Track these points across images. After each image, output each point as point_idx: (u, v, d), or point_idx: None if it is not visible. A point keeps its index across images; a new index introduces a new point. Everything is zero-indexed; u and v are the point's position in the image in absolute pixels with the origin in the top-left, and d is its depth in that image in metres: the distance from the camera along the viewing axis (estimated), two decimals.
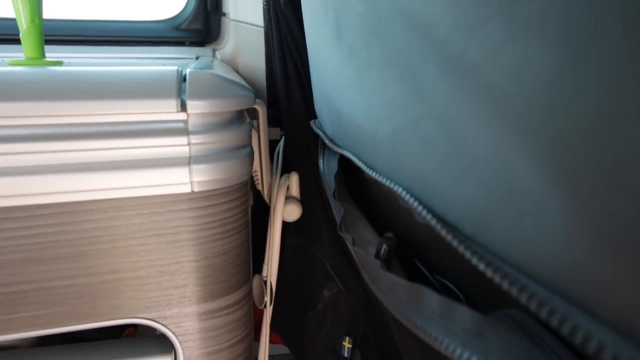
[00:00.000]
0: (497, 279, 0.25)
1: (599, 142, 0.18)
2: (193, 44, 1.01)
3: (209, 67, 0.64)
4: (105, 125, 0.42)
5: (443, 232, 0.30)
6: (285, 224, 0.67)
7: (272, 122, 0.77)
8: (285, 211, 0.63)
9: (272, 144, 0.76)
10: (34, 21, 0.56)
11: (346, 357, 0.74)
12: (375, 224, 0.52)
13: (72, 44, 0.91)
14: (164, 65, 0.75)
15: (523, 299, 0.23)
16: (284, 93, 0.74)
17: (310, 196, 0.70)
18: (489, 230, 0.27)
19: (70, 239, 0.43)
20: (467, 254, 0.27)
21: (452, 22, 0.26)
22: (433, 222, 0.31)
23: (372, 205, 0.55)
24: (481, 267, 0.26)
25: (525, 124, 0.22)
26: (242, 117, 0.50)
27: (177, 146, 0.43)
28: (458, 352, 0.27)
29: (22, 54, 0.56)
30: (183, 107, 0.43)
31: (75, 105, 0.40)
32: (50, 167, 0.41)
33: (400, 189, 0.36)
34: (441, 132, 0.30)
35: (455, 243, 0.28)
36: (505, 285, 0.24)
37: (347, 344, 0.74)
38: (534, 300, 0.22)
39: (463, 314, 0.28)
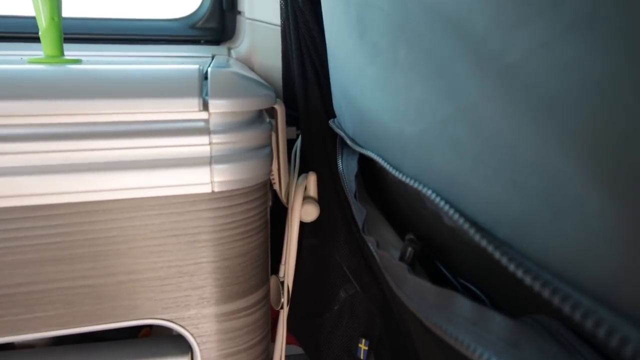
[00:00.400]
0: (537, 287, 0.24)
1: None
2: (208, 42, 1.00)
3: (226, 66, 0.63)
4: (126, 124, 0.41)
5: (477, 237, 0.28)
6: (302, 224, 0.67)
7: (288, 121, 0.76)
8: (302, 212, 0.62)
9: (289, 144, 0.76)
10: (53, 19, 0.55)
11: (362, 359, 0.73)
12: (394, 225, 0.51)
13: (90, 42, 0.91)
14: (181, 63, 0.75)
15: (566, 308, 0.22)
16: (301, 92, 0.73)
17: (328, 196, 0.69)
18: (526, 235, 0.26)
19: (89, 238, 0.43)
20: (504, 260, 0.26)
21: (490, 20, 0.25)
22: (466, 226, 0.30)
23: (391, 206, 0.54)
24: (519, 274, 0.25)
25: (570, 125, 0.21)
26: (262, 117, 0.50)
27: (199, 146, 0.43)
28: None
29: (41, 52, 0.56)
30: (205, 106, 0.42)
31: (97, 104, 0.40)
32: (71, 166, 0.40)
33: (429, 191, 0.35)
34: (473, 133, 0.29)
35: (490, 248, 0.27)
36: (546, 293, 0.23)
37: (363, 345, 0.73)
38: (578, 310, 0.21)
39: (497, 321, 0.28)
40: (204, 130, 0.43)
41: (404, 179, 0.39)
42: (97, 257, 0.43)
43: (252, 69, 0.94)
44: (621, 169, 0.19)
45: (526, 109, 0.24)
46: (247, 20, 0.94)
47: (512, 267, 0.25)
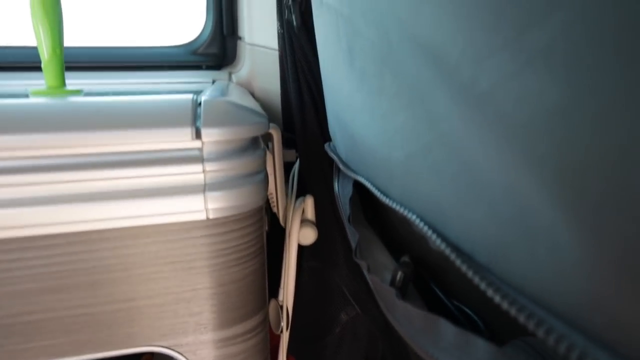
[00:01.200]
0: (513, 311, 0.24)
1: (610, 173, 0.18)
2: (210, 67, 1.02)
3: (225, 91, 0.65)
4: (121, 154, 0.42)
5: (458, 262, 0.29)
6: (301, 247, 0.67)
7: (288, 144, 0.77)
8: (300, 235, 0.63)
9: (288, 166, 0.76)
10: (55, 52, 0.57)
11: None
12: (391, 247, 0.51)
13: (92, 70, 0.93)
14: (182, 89, 0.76)
15: (540, 333, 0.22)
16: (298, 116, 0.74)
17: (327, 219, 0.69)
18: (503, 260, 0.26)
19: (87, 267, 0.43)
20: (483, 285, 0.27)
21: (462, 50, 0.26)
22: (447, 251, 0.30)
23: (387, 227, 0.55)
24: (497, 299, 0.25)
25: (534, 153, 0.22)
26: (257, 143, 0.50)
27: (192, 174, 0.43)
28: None
29: (43, 81, 0.58)
30: (198, 135, 0.43)
31: (94, 136, 0.41)
32: (67, 197, 0.41)
33: (414, 217, 0.35)
34: (453, 159, 0.30)
35: (470, 274, 0.28)
36: (521, 318, 0.23)
37: None
38: (552, 335, 0.22)
39: (479, 346, 0.28)
40: (198, 158, 0.44)
41: (391, 204, 0.39)
42: (95, 285, 0.44)
43: (252, 93, 0.95)
44: (584, 194, 0.20)
45: (498, 137, 0.25)
46: (248, 46, 0.96)
47: (490, 292, 0.26)
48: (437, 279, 0.45)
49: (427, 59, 0.30)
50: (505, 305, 0.24)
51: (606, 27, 0.17)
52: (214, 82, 0.89)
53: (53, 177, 0.41)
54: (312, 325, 0.76)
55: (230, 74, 1.00)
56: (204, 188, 0.44)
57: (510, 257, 0.25)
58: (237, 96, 0.61)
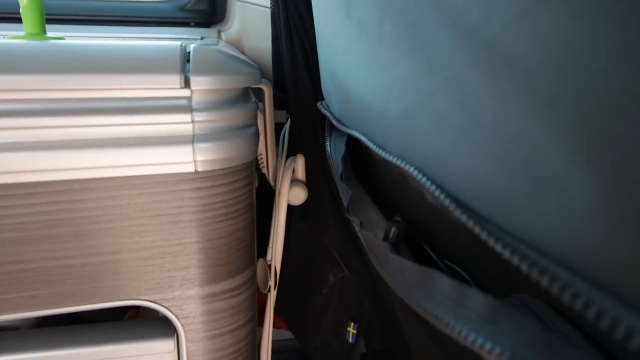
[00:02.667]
0: (515, 260, 0.23)
1: (631, 113, 0.17)
2: (198, 24, 0.99)
3: (212, 43, 0.62)
4: (106, 100, 0.40)
5: (457, 213, 0.28)
6: (291, 208, 0.66)
7: (278, 104, 0.75)
8: (290, 194, 0.62)
9: (279, 127, 0.75)
10: None
11: (351, 343, 0.73)
12: (382, 208, 0.51)
13: (74, 24, 0.90)
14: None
15: (544, 281, 0.21)
16: (290, 74, 0.72)
17: (317, 180, 0.68)
18: (507, 210, 0.25)
19: (70, 217, 0.42)
20: (484, 235, 0.26)
21: None
22: (447, 202, 0.29)
23: (379, 188, 0.54)
24: (498, 248, 0.24)
25: (549, 95, 0.21)
26: (248, 96, 0.49)
27: (181, 124, 0.42)
28: (471, 338, 0.26)
29: (22, 32, 0.55)
30: (187, 84, 0.41)
31: (76, 79, 0.39)
32: (49, 144, 0.39)
33: (411, 168, 0.34)
34: (455, 108, 0.29)
35: (470, 224, 0.27)
36: (524, 267, 0.23)
37: (352, 329, 0.73)
38: (555, 283, 0.21)
39: (477, 298, 0.27)
40: (186, 108, 0.42)
41: (388, 157, 0.38)
42: (79, 236, 0.43)
43: (242, 52, 0.93)
44: (599, 137, 0.19)
45: (506, 80, 0.23)
46: (238, 3, 0.93)
47: (491, 242, 0.25)
48: (428, 239, 0.44)
49: (431, 3, 0.29)
50: (507, 254, 0.24)
51: None
52: (202, 38, 0.87)
53: (33, 122, 0.39)
54: (299, 286, 0.76)
55: (219, 32, 0.97)
56: (193, 139, 0.42)
57: (515, 207, 0.25)
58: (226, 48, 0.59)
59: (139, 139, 0.41)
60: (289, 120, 0.75)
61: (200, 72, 0.41)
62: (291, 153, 0.68)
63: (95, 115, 0.40)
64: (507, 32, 0.23)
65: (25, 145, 0.39)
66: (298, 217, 0.74)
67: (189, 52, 0.44)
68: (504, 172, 0.25)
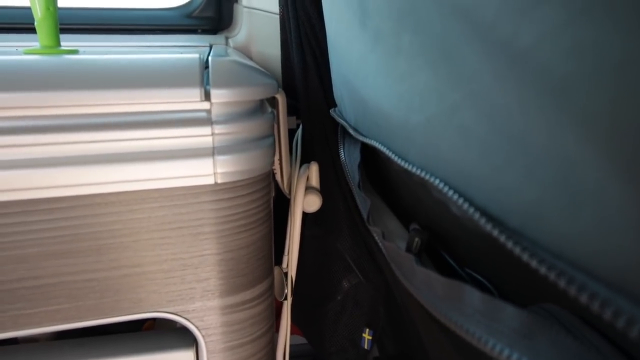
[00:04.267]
0: (552, 276, 0.23)
1: None
2: (205, 31, 0.99)
3: (225, 55, 0.63)
4: (126, 115, 0.40)
5: (488, 227, 0.28)
6: (304, 215, 0.66)
7: (288, 110, 0.75)
8: (305, 202, 0.62)
9: (289, 133, 0.75)
10: (49, 9, 0.54)
11: (366, 349, 0.74)
12: (397, 215, 0.51)
13: (85, 33, 0.90)
14: (178, 53, 0.74)
15: (583, 298, 0.21)
16: (301, 81, 0.72)
17: (330, 186, 0.68)
18: (539, 224, 0.25)
19: (92, 232, 0.42)
20: (517, 250, 0.26)
21: (501, 4, 0.25)
22: (476, 215, 0.29)
23: (393, 195, 0.54)
24: (533, 263, 0.24)
25: (585, 109, 0.21)
26: (264, 107, 0.49)
27: (201, 136, 0.42)
28: (506, 353, 0.26)
29: (37, 43, 0.55)
30: (207, 96, 0.41)
31: (95, 95, 0.39)
32: (70, 159, 0.40)
33: (436, 180, 0.34)
34: (482, 120, 0.29)
35: (502, 238, 0.27)
36: (562, 283, 0.23)
37: (367, 335, 0.73)
38: (596, 300, 0.21)
39: (508, 312, 0.27)
40: (206, 120, 0.42)
41: (410, 168, 0.38)
42: (101, 250, 0.43)
43: (250, 58, 0.93)
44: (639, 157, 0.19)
45: (538, 94, 0.23)
46: (245, 9, 0.93)
47: (525, 257, 0.25)
48: (447, 247, 0.44)
49: (456, 17, 0.29)
50: (543, 270, 0.24)
51: None
52: (210, 46, 0.87)
53: (55, 139, 0.39)
54: (314, 293, 0.76)
55: (227, 39, 0.97)
56: (213, 151, 0.42)
57: (548, 221, 0.25)
58: (238, 57, 0.59)
59: (159, 153, 0.41)
60: (300, 127, 0.75)
61: (220, 84, 0.41)
62: (304, 160, 0.68)
63: (116, 130, 0.40)
64: (542, 46, 0.23)
65: (47, 162, 0.39)
66: (311, 223, 0.74)
67: (207, 64, 0.44)
68: (536, 186, 0.25)
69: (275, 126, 0.58)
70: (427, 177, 0.35)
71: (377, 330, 0.74)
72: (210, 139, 0.42)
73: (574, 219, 0.23)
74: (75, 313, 0.44)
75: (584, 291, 0.22)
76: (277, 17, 0.86)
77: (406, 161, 0.39)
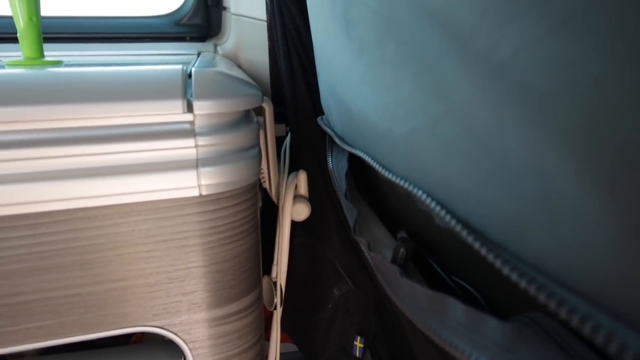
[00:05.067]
0: (532, 290, 0.23)
1: None
2: (194, 39, 0.99)
3: (212, 63, 0.62)
4: (108, 128, 0.40)
5: (470, 239, 0.28)
6: (293, 222, 0.66)
7: (277, 118, 0.75)
8: (293, 211, 0.62)
9: (278, 140, 0.75)
10: (31, 20, 0.54)
11: (358, 357, 0.73)
12: (386, 222, 0.50)
13: (71, 42, 0.89)
14: (166, 61, 0.73)
15: (563, 313, 0.21)
16: (289, 89, 0.72)
17: (318, 193, 0.68)
18: (520, 237, 0.25)
19: (75, 246, 0.42)
20: (498, 263, 0.26)
21: (479, 17, 0.24)
22: (458, 227, 0.29)
23: (382, 202, 0.54)
24: (514, 277, 0.24)
25: (563, 125, 0.21)
26: (250, 117, 0.49)
27: (184, 149, 0.42)
28: None
29: (20, 53, 0.54)
30: (189, 108, 0.41)
31: (78, 109, 0.38)
32: (53, 174, 0.39)
33: (419, 192, 0.34)
34: (464, 133, 0.28)
35: (484, 251, 0.27)
36: (542, 297, 0.22)
37: (358, 343, 0.73)
38: (575, 315, 0.21)
39: (492, 325, 0.27)
40: (190, 132, 0.42)
41: (394, 179, 0.38)
42: (85, 265, 0.42)
43: (238, 66, 0.92)
44: (620, 170, 0.18)
45: (518, 108, 0.23)
46: (233, 16, 0.93)
47: (506, 270, 0.25)
48: (434, 255, 0.44)
49: (436, 28, 0.29)
50: (523, 284, 0.23)
51: None
52: (199, 54, 0.86)
53: (36, 153, 0.39)
54: (304, 301, 0.76)
55: (215, 46, 0.97)
56: (197, 163, 0.42)
57: (529, 235, 0.24)
58: (225, 67, 0.58)
59: (142, 166, 0.41)
60: (289, 135, 0.75)
61: (203, 96, 0.41)
62: (292, 167, 0.68)
63: (98, 144, 0.40)
64: (520, 61, 0.22)
65: (28, 177, 0.39)
66: (300, 231, 0.74)
67: (190, 75, 0.43)
68: (516, 200, 0.25)
69: (263, 135, 0.58)
70: (411, 188, 0.35)
71: (369, 338, 0.74)
72: (194, 150, 0.42)
73: (554, 233, 0.23)
74: (59, 329, 0.43)
75: (564, 306, 0.21)
76: (265, 24, 0.86)
77: (390, 172, 0.39)
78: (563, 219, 0.22)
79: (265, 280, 0.64)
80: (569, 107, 0.20)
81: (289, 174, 0.64)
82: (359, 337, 0.73)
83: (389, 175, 0.39)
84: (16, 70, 0.42)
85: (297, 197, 0.62)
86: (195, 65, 0.53)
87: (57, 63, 0.55)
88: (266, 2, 0.83)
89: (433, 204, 0.32)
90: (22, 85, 0.39)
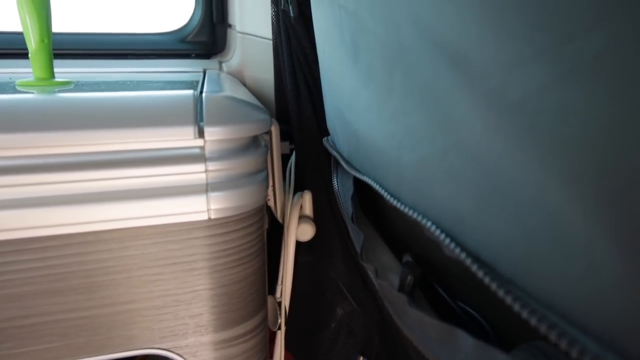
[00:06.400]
0: (543, 329, 0.23)
1: None
2: (199, 56, 1.00)
3: (219, 83, 0.63)
4: (119, 153, 0.41)
5: (480, 274, 0.28)
6: (298, 242, 0.66)
7: (281, 136, 0.76)
8: (298, 231, 0.62)
9: (283, 158, 0.75)
10: (43, 41, 0.55)
11: None
12: (391, 243, 0.51)
13: (79, 58, 0.90)
14: (172, 78, 0.74)
15: (574, 353, 0.22)
16: (295, 109, 0.73)
17: (323, 213, 0.68)
18: (530, 273, 0.26)
19: (83, 270, 0.42)
20: (509, 300, 0.26)
21: (490, 57, 0.25)
22: (468, 261, 0.30)
23: (387, 224, 0.54)
24: (524, 314, 0.25)
25: (573, 168, 0.21)
26: (258, 141, 0.49)
27: (194, 174, 0.42)
28: None
29: (29, 69, 0.55)
30: (200, 134, 0.42)
31: (90, 135, 0.39)
32: (65, 198, 0.40)
33: (428, 222, 0.34)
34: (474, 167, 0.29)
35: (494, 286, 0.27)
36: (553, 336, 0.23)
37: None
38: (586, 356, 0.21)
39: (499, 359, 0.27)
40: (200, 157, 0.42)
41: (401, 207, 0.38)
42: (93, 288, 0.43)
43: (243, 83, 0.93)
44: (628, 216, 0.19)
45: (528, 148, 0.24)
46: (239, 34, 0.94)
47: (517, 307, 0.25)
48: (439, 279, 0.44)
49: (447, 62, 0.29)
50: (533, 321, 0.24)
51: None
52: (204, 71, 0.87)
53: (48, 178, 0.39)
54: (308, 320, 0.76)
55: (220, 63, 0.98)
56: (207, 188, 0.43)
57: (538, 271, 0.25)
58: (232, 88, 0.59)
59: (152, 190, 0.41)
60: (294, 154, 0.76)
61: (214, 122, 0.42)
62: (297, 187, 0.68)
63: (109, 169, 0.40)
64: (528, 104, 0.23)
65: (40, 201, 0.39)
66: (304, 249, 0.74)
67: (202, 100, 0.44)
68: (526, 236, 0.25)
69: (269, 155, 0.58)
70: (419, 218, 0.36)
71: (372, 358, 0.74)
72: (204, 175, 0.42)
73: (563, 271, 0.23)
74: (66, 351, 0.43)
75: (575, 346, 0.22)
76: (271, 42, 0.87)
77: (398, 200, 0.40)
78: (573, 258, 0.22)
79: (269, 300, 0.64)
80: (579, 152, 0.20)
81: (294, 194, 0.65)
82: (361, 358, 0.73)
83: (397, 204, 0.39)
84: (28, 96, 0.42)
85: (302, 217, 0.63)
86: (205, 87, 0.53)
87: (67, 84, 0.56)
88: (272, 21, 0.84)
89: (442, 236, 0.32)
90: (33, 111, 0.39)
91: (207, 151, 0.42)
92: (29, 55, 0.55)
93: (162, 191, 0.42)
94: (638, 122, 0.18)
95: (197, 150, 0.42)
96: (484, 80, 0.26)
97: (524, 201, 0.25)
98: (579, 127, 0.20)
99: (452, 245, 0.31)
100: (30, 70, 0.55)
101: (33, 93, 0.46)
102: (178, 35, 0.99)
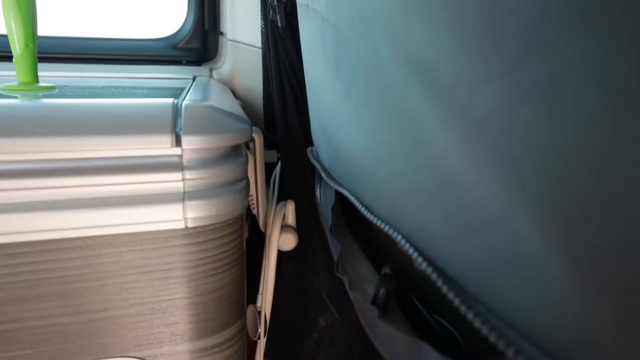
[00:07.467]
0: (501, 345, 0.24)
1: (612, 222, 0.18)
2: (190, 62, 1.00)
3: (206, 90, 0.63)
4: (95, 160, 0.40)
5: (444, 289, 0.28)
6: (280, 251, 0.66)
7: (269, 144, 0.76)
8: (280, 240, 0.62)
9: (269, 167, 0.75)
10: (27, 46, 0.55)
11: None
12: (371, 254, 0.51)
13: (66, 62, 0.90)
14: (161, 84, 0.74)
15: None
16: (281, 118, 0.73)
17: (307, 222, 0.68)
18: (492, 291, 0.26)
19: (57, 276, 0.42)
20: (470, 315, 0.26)
21: (456, 75, 0.25)
22: (434, 276, 0.30)
23: (369, 235, 0.54)
24: (484, 330, 0.25)
25: (531, 189, 0.21)
26: (239, 150, 0.49)
27: (171, 182, 0.42)
28: None
29: (13, 72, 0.55)
30: (178, 142, 0.42)
31: (67, 142, 0.39)
32: (40, 204, 0.39)
33: (399, 237, 0.35)
34: (443, 183, 0.29)
35: (457, 302, 0.27)
36: (510, 353, 0.23)
37: None
38: None
39: None
40: (177, 166, 0.42)
41: (375, 221, 0.39)
42: (66, 295, 0.42)
43: (233, 91, 0.93)
44: (581, 239, 0.19)
45: (491, 168, 0.24)
46: (230, 42, 0.94)
47: (477, 323, 0.25)
48: (417, 290, 0.45)
49: (417, 78, 0.29)
50: (493, 338, 0.24)
51: (611, 71, 0.16)
52: (194, 78, 0.87)
53: (22, 184, 0.39)
54: (289, 329, 0.76)
55: (211, 70, 0.98)
56: (183, 197, 0.43)
57: (499, 289, 0.25)
58: (218, 96, 0.59)
59: (128, 198, 0.41)
60: (279, 163, 0.76)
61: (192, 131, 0.42)
62: (282, 196, 0.68)
63: (85, 176, 0.40)
64: (491, 122, 0.23)
65: (13, 207, 0.39)
66: (287, 258, 0.74)
67: (180, 109, 0.44)
68: (489, 254, 0.25)
69: (252, 164, 0.58)
70: (391, 232, 0.36)
71: None
72: (181, 184, 0.42)
73: (521, 291, 0.23)
74: (39, 358, 0.43)
75: None
76: (260, 51, 0.87)
77: (373, 213, 0.40)
78: (530, 279, 0.22)
79: (249, 309, 0.64)
80: (536, 172, 0.21)
81: (277, 203, 0.65)
82: None
83: (371, 217, 0.39)
84: (7, 102, 0.42)
85: (284, 227, 0.63)
86: (188, 94, 0.54)
87: (51, 88, 0.56)
88: (261, 30, 0.84)
89: (411, 250, 0.33)
90: (12, 117, 0.39)
91: (185, 160, 0.42)
92: (14, 59, 0.55)
93: (138, 199, 0.42)
94: (590, 147, 0.18)
95: (175, 159, 0.42)
96: (450, 98, 0.26)
97: (487, 218, 0.25)
98: (536, 149, 0.21)
99: (420, 259, 0.31)
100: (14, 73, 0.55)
101: (17, 97, 0.46)
102: (170, 41, 0.99)
